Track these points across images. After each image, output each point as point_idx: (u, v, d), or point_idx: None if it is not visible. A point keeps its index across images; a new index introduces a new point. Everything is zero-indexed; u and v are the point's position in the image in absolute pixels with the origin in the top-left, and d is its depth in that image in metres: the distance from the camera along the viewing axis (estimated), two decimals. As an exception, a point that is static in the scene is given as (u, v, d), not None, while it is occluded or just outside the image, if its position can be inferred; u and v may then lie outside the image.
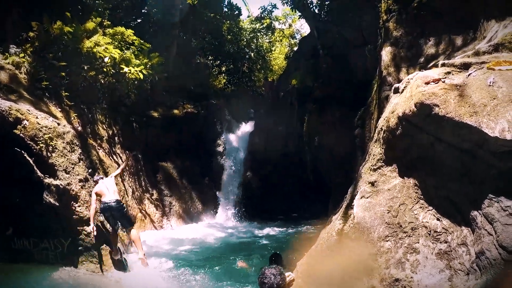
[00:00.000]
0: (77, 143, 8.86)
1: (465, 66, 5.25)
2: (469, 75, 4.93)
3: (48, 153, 7.97)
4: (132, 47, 12.88)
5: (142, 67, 12.21)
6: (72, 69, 10.33)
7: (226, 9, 23.94)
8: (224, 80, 25.45)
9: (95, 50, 10.76)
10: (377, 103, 9.06)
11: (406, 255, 5.10)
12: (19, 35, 10.38)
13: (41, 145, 7.83)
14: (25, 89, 9.00)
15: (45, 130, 8.05)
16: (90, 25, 11.13)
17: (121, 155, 12.10)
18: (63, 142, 8.41)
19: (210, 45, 23.59)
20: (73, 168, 8.42)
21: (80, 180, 8.45)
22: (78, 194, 8.23)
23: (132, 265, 8.54)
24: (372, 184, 5.96)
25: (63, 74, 10.04)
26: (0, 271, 7.55)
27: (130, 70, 11.78)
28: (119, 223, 8.45)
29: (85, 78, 10.82)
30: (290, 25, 30.18)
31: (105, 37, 11.78)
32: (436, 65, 6.01)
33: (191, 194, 15.93)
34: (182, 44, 20.18)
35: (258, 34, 26.49)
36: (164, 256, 8.69)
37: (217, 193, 16.95)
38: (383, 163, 5.97)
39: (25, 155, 7.62)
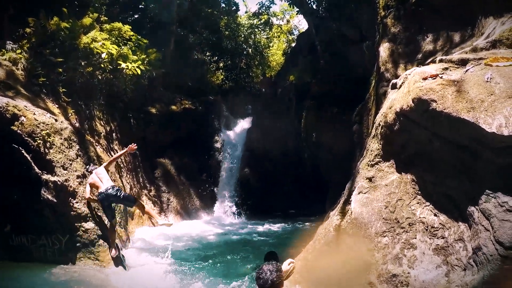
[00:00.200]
0: (75, 139, 8.84)
1: (462, 62, 5.26)
2: (466, 71, 4.94)
3: (46, 149, 7.96)
4: (129, 43, 12.84)
5: (140, 63, 12.17)
6: (69, 65, 10.28)
7: (223, 5, 23.92)
8: (222, 76, 25.40)
9: (92, 46, 10.71)
10: (375, 99, 9.07)
11: (403, 250, 5.12)
12: (15, 31, 10.32)
13: (39, 141, 7.81)
14: (22, 85, 8.98)
15: (43, 126, 8.02)
16: (87, 20, 11.07)
17: (118, 151, 12.07)
18: (61, 138, 8.39)
19: (208, 41, 23.52)
20: (71, 164, 8.41)
21: (78, 176, 8.43)
22: (75, 190, 8.22)
23: (130, 261, 8.53)
24: (370, 179, 5.98)
25: (60, 70, 10.00)
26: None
27: (127, 66, 11.75)
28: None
29: (82, 74, 10.77)
30: (288, 21, 30.03)
31: (102, 33, 11.72)
32: (434, 61, 6.02)
33: (189, 190, 15.96)
34: (179, 40, 20.15)
35: (256, 30, 26.46)
36: (161, 252, 8.72)
37: (214, 189, 16.94)
38: (380, 159, 5.99)
39: (23, 151, 7.61)
